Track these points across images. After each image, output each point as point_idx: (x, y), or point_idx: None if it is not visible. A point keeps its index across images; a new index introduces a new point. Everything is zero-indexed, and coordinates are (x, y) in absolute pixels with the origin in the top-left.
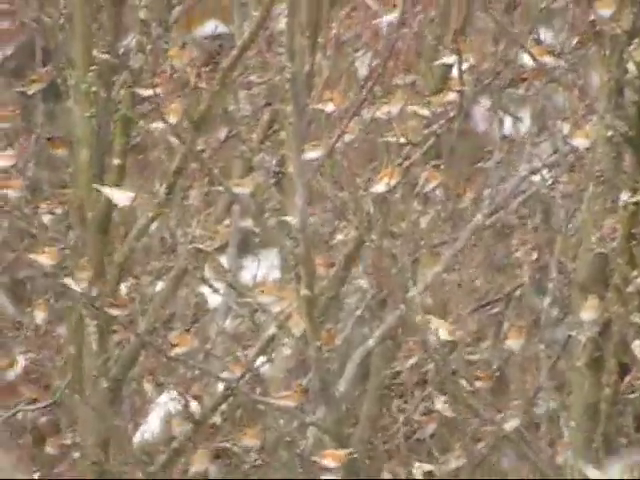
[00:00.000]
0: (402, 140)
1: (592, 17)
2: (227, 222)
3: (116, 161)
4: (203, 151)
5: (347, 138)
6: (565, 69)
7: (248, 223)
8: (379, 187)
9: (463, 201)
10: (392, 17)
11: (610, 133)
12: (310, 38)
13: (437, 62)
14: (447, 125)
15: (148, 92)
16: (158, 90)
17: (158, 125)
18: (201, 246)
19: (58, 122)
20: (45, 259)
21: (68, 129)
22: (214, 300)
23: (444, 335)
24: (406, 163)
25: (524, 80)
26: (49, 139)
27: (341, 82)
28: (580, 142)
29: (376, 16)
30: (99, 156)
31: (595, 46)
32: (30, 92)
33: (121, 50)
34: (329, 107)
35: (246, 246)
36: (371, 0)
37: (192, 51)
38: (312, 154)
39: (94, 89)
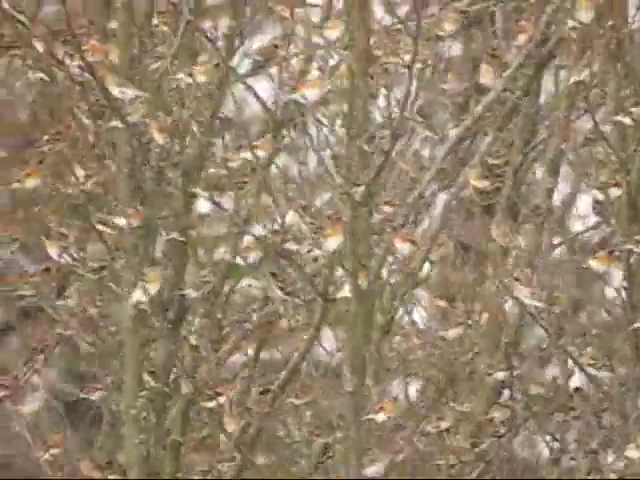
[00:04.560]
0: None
1: None
2: None
3: None
4: None
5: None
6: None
7: None
8: None
9: None
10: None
11: None
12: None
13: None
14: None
15: (211, 405)
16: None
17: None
18: None
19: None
20: None
21: (119, 454)
22: None
23: None
24: None
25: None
26: (107, 463)
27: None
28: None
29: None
30: None
31: None
32: None
33: (171, 377)
34: (381, 417)
35: None
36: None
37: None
38: (372, 469)
39: (144, 415)
